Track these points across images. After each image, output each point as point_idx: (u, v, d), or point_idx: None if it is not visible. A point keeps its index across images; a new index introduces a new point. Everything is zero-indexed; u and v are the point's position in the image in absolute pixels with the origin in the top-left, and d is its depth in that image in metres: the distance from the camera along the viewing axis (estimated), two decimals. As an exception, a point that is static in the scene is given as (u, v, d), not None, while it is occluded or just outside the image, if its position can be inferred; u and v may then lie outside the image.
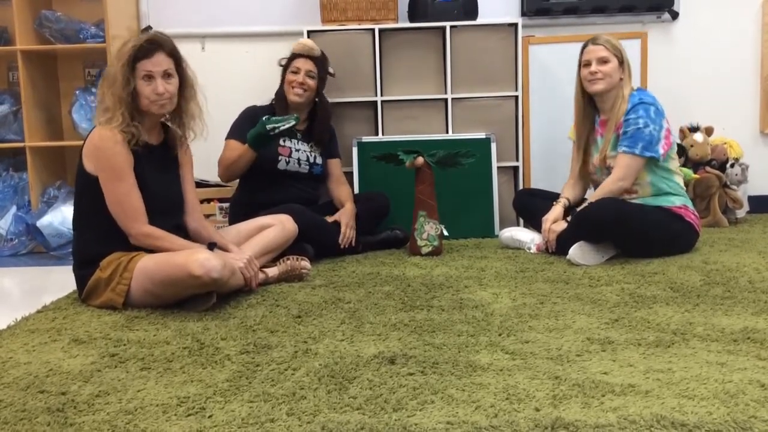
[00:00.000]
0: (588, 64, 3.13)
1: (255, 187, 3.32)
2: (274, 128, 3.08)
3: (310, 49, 3.42)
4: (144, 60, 2.48)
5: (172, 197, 2.66)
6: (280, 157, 3.32)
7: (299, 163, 3.37)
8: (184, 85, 2.60)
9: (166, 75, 2.51)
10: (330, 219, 3.28)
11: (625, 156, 3.05)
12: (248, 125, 3.24)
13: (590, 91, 3.15)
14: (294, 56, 3.42)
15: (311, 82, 3.38)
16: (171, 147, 2.67)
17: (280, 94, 3.44)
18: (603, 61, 3.10)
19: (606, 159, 3.13)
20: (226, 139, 3.33)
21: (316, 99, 3.48)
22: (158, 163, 2.60)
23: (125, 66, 2.46)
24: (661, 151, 3.03)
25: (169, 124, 2.67)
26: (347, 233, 3.25)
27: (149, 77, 2.49)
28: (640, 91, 3.15)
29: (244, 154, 3.19)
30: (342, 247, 3.24)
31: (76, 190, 2.58)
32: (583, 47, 3.18)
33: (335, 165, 3.54)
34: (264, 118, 3.14)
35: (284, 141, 3.35)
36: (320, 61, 3.44)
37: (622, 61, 3.12)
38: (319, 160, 3.44)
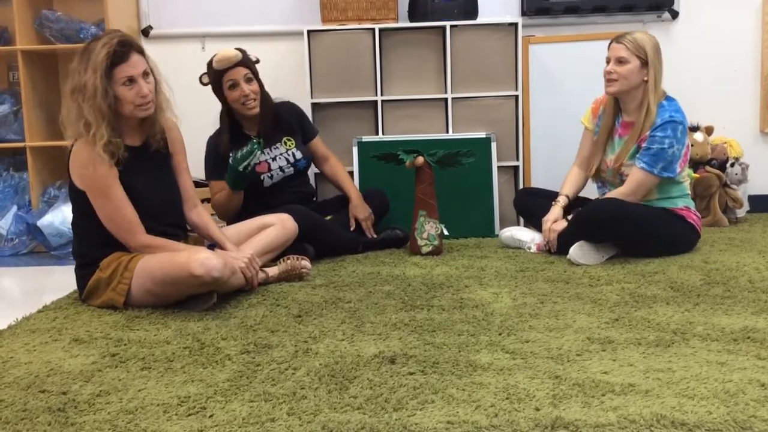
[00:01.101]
0: (608, 62, 3.04)
1: (253, 205, 3.21)
2: (246, 167, 2.97)
3: (232, 58, 3.14)
4: (121, 65, 2.38)
5: (167, 195, 2.63)
6: (262, 176, 3.24)
7: (282, 170, 3.29)
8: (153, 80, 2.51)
9: (145, 75, 2.44)
10: (352, 227, 3.31)
11: (641, 173, 2.97)
12: (219, 160, 3.13)
13: (605, 92, 3.08)
14: (222, 71, 3.15)
15: (253, 87, 3.18)
16: (154, 144, 2.57)
17: (229, 113, 3.24)
18: (620, 61, 2.99)
19: (622, 166, 3.06)
20: (207, 180, 3.27)
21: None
22: (145, 164, 2.55)
23: (103, 76, 2.35)
24: (678, 170, 3.00)
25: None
26: (369, 226, 3.34)
27: (131, 80, 2.40)
28: (670, 102, 3.03)
29: (232, 197, 3.11)
30: (370, 237, 3.31)
31: (71, 198, 2.55)
32: (610, 43, 3.08)
33: (316, 145, 3.44)
34: (231, 161, 2.99)
35: (258, 160, 3.14)
36: (246, 60, 3.19)
37: (646, 63, 3.00)
38: (299, 154, 3.34)
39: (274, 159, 3.28)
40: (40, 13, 3.83)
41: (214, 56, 3.20)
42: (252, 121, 3.27)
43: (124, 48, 2.40)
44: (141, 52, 2.46)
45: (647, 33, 3.09)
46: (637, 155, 3.01)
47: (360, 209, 3.35)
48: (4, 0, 3.86)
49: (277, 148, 3.30)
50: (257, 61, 3.29)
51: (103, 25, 3.73)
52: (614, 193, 3.05)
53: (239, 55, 3.17)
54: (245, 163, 2.97)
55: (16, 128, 3.86)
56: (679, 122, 2.98)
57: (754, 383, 1.68)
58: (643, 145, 3.00)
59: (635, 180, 3.00)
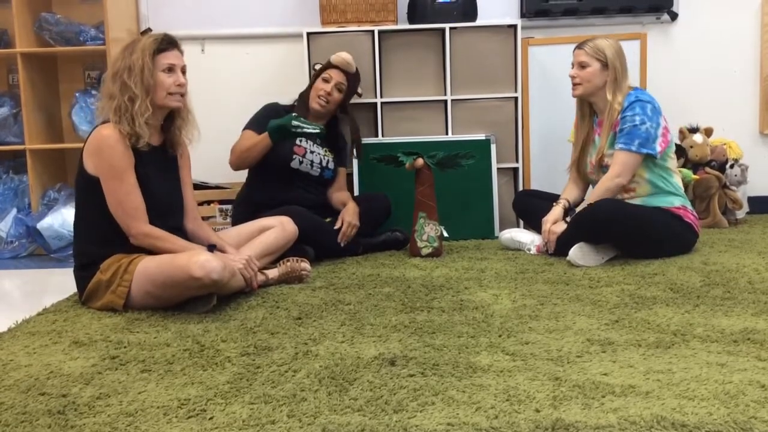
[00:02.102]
0: (573, 67, 3.18)
1: (264, 183, 3.31)
2: (299, 126, 3.10)
3: (348, 64, 3.42)
4: (165, 52, 2.53)
5: (172, 199, 2.66)
6: (294, 156, 3.32)
7: (311, 165, 3.37)
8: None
9: (183, 70, 2.58)
10: (337, 225, 3.27)
11: (621, 153, 3.05)
12: (268, 120, 3.25)
13: (572, 95, 3.20)
14: (330, 65, 3.43)
15: (337, 96, 3.40)
16: (171, 148, 2.66)
17: (304, 96, 3.45)
18: (581, 66, 3.13)
19: (604, 158, 3.13)
20: (244, 129, 3.34)
21: (340, 113, 3.52)
22: (159, 163, 2.60)
23: (147, 57, 2.49)
24: (659, 149, 3.04)
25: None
26: (347, 231, 3.25)
27: (170, 69, 2.53)
28: (637, 90, 3.15)
29: (260, 142, 3.20)
30: (340, 243, 3.24)
31: (77, 192, 2.58)
32: (573, 50, 3.21)
33: (341, 173, 3.56)
34: (294, 114, 3.17)
35: (300, 141, 3.36)
36: (353, 78, 3.46)
37: (606, 64, 3.11)
38: (331, 165, 3.45)
39: (311, 152, 3.39)
40: (40, 16, 3.84)
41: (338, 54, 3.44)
42: (316, 115, 3.42)
43: (170, 42, 2.56)
44: (182, 52, 2.61)
45: (609, 38, 3.19)
46: (616, 141, 3.08)
47: (349, 213, 3.31)
48: (3, 2, 3.86)
49: (320, 147, 3.43)
50: (359, 94, 3.62)
51: (103, 27, 3.73)
52: (603, 179, 3.09)
53: (354, 68, 3.46)
54: (300, 125, 3.10)
55: (15, 131, 3.86)
56: (646, 101, 3.07)
57: (755, 384, 1.68)
58: (617, 129, 3.08)
59: (618, 161, 3.06)
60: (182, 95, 2.57)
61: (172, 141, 2.66)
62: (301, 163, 3.34)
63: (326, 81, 3.40)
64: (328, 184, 3.49)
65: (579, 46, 3.17)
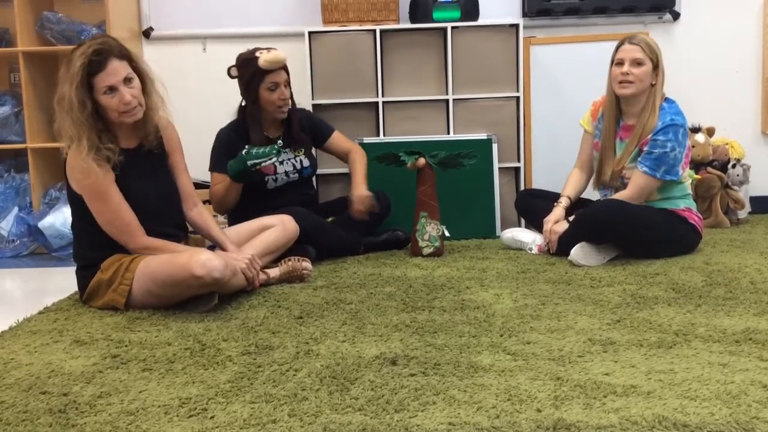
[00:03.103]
0: (621, 63, 3.01)
1: (251, 206, 3.20)
2: (255, 164, 2.95)
3: (281, 60, 3.16)
4: (99, 74, 2.34)
5: (165, 196, 2.62)
6: (266, 178, 3.22)
7: (288, 175, 3.28)
8: (143, 81, 2.47)
9: (127, 81, 2.39)
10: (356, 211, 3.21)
11: (644, 177, 2.97)
12: (226, 154, 3.10)
13: (618, 94, 3.04)
14: (264, 72, 3.13)
15: (289, 92, 3.22)
16: (148, 145, 2.55)
17: (254, 115, 3.19)
18: (637, 63, 2.98)
19: (623, 169, 3.06)
20: (210, 171, 3.23)
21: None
22: (142, 165, 2.54)
23: (79, 87, 2.32)
24: (681, 173, 3.00)
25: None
26: (360, 209, 3.22)
27: (111, 89, 2.36)
28: (670, 104, 3.03)
29: (230, 187, 3.09)
30: (358, 216, 3.20)
31: (69, 201, 2.54)
32: (619, 44, 3.06)
33: (335, 141, 3.44)
34: (244, 152, 2.96)
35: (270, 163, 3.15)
36: (286, 65, 3.23)
37: (656, 66, 3.00)
38: (306, 162, 3.34)
39: (281, 163, 3.26)
40: (42, 15, 3.84)
41: (249, 51, 3.19)
42: (276, 125, 3.29)
43: (101, 56, 2.35)
44: (122, 56, 2.40)
45: (649, 36, 3.09)
46: (639, 159, 3.01)
47: (359, 193, 3.25)
48: (5, 1, 3.86)
49: (287, 152, 3.29)
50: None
51: (105, 26, 3.73)
52: (617, 197, 3.04)
53: (286, 58, 3.19)
54: (257, 161, 2.94)
55: (17, 130, 3.86)
56: (680, 125, 2.98)
57: (757, 384, 1.67)
58: (645, 148, 2.99)
59: (638, 184, 3.00)
60: (134, 109, 2.40)
61: (147, 138, 2.54)
62: (276, 180, 3.25)
63: (274, 89, 3.15)
64: (311, 178, 3.44)
65: (631, 41, 3.01)
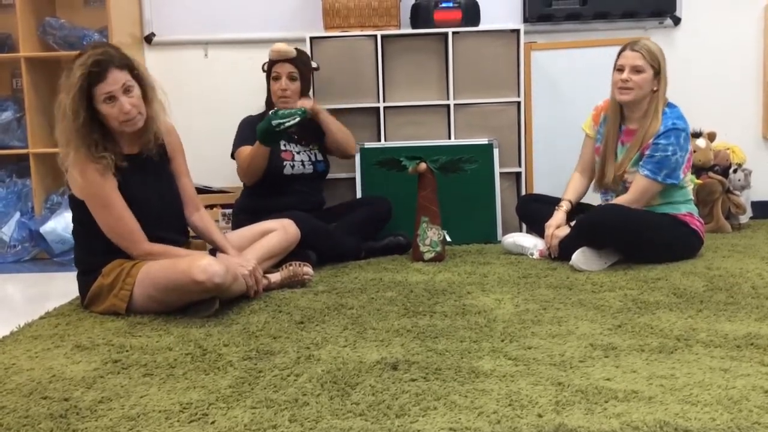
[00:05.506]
0: (621, 69, 3.02)
1: (261, 193, 3.30)
2: (280, 124, 3.06)
3: (285, 53, 3.33)
4: (99, 84, 2.36)
5: (167, 201, 2.62)
6: (284, 162, 3.31)
7: (304, 165, 3.36)
8: (144, 89, 2.48)
9: (126, 90, 2.40)
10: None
11: (645, 180, 2.98)
12: (251, 131, 3.22)
13: (618, 100, 3.06)
14: (272, 62, 3.37)
15: (293, 86, 3.34)
16: (149, 152, 2.55)
17: (268, 102, 3.43)
18: (637, 70, 2.98)
19: (624, 173, 3.06)
20: (234, 148, 3.31)
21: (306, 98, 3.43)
22: (144, 171, 2.55)
23: (75, 97, 2.34)
24: (682, 176, 3.01)
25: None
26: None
27: (111, 98, 2.38)
28: (672, 109, 3.04)
29: (256, 150, 3.17)
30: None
31: (71, 207, 2.55)
32: (622, 49, 3.06)
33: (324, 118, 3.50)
34: (271, 113, 3.12)
35: (285, 145, 3.34)
36: (299, 60, 3.38)
37: (658, 72, 3.01)
38: (320, 157, 3.44)
39: (298, 153, 3.38)
40: (44, 21, 3.85)
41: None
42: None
43: (100, 67, 2.36)
44: (123, 66, 2.41)
45: (652, 41, 3.09)
46: (641, 163, 3.01)
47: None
48: (7, 7, 3.88)
49: (301, 147, 3.41)
50: (316, 68, 3.50)
51: (107, 32, 3.74)
52: (618, 201, 3.05)
53: (293, 52, 3.35)
54: (283, 121, 3.05)
55: (19, 135, 3.87)
56: (681, 129, 2.98)
57: (758, 390, 1.67)
58: (647, 152, 3.00)
59: (639, 188, 3.00)
60: (135, 117, 2.42)
61: (147, 146, 2.54)
62: (293, 167, 3.33)
63: (277, 79, 3.33)
64: (323, 178, 3.50)
65: (632, 48, 3.01)
